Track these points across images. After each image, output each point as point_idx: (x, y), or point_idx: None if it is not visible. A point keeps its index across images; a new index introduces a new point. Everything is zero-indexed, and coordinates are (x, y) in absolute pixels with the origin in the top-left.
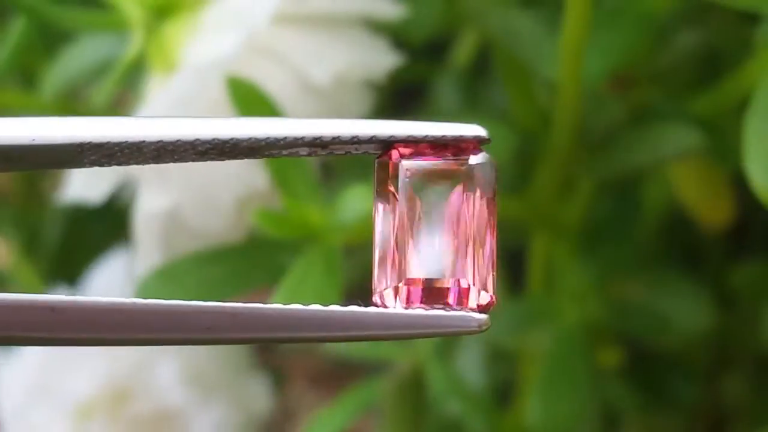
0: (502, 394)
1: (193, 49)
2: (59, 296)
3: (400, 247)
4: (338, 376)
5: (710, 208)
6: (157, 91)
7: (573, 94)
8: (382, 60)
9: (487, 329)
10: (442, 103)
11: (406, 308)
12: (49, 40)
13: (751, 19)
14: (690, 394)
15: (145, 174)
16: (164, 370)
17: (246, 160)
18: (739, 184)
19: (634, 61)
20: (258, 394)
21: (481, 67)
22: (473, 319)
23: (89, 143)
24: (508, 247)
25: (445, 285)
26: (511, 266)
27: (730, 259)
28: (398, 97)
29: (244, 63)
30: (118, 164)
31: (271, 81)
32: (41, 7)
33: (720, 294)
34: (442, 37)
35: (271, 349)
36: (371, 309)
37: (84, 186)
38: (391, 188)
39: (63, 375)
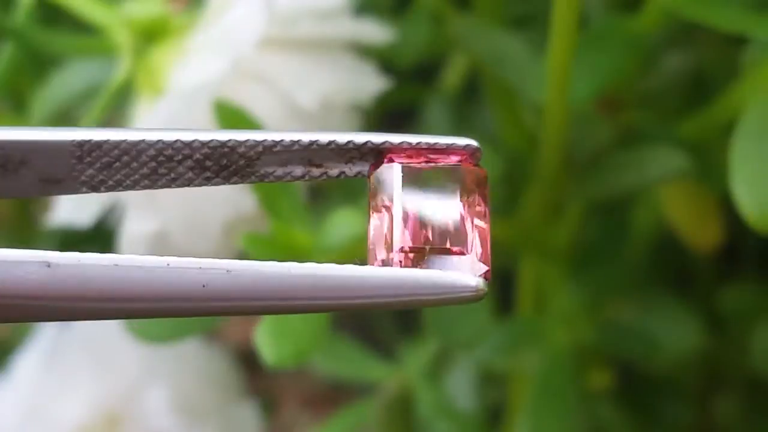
0: (492, 416)
1: (181, 74)
2: (54, 252)
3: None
4: (330, 398)
5: (699, 230)
6: (145, 114)
7: (560, 116)
8: (369, 84)
9: (483, 296)
10: (431, 126)
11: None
12: (38, 64)
13: (738, 41)
14: (681, 416)
15: (133, 197)
16: (154, 396)
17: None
18: (728, 206)
19: (622, 83)
20: (247, 419)
21: (470, 91)
22: (470, 279)
23: (89, 141)
24: (497, 270)
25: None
26: (501, 288)
27: (720, 281)
28: (387, 120)
29: (231, 87)
30: (115, 182)
31: (258, 105)
32: (30, 32)
33: (710, 315)
34: (430, 61)
35: (263, 373)
36: (368, 267)
37: (73, 209)
38: (385, 200)
39: (54, 400)
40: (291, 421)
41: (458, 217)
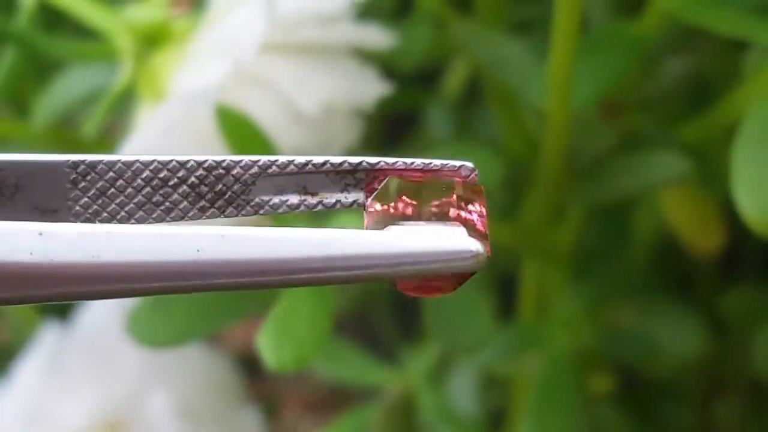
0: (494, 420)
1: (182, 79)
2: (46, 223)
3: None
4: (331, 402)
5: (700, 235)
6: (146, 119)
7: (562, 121)
8: (370, 89)
9: (483, 262)
10: (433, 131)
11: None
12: (40, 69)
13: (739, 46)
14: (682, 420)
15: None
16: (156, 401)
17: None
18: (729, 210)
19: (623, 88)
20: (249, 424)
21: (472, 95)
22: (470, 243)
23: (84, 161)
24: (498, 274)
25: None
26: (502, 292)
27: (721, 285)
28: (389, 125)
29: (232, 92)
30: (109, 214)
31: (260, 110)
32: (32, 37)
33: (711, 319)
34: (432, 66)
35: (264, 377)
36: (365, 231)
37: None
38: (382, 204)
39: (56, 405)
40: (293, 425)
41: (455, 212)
